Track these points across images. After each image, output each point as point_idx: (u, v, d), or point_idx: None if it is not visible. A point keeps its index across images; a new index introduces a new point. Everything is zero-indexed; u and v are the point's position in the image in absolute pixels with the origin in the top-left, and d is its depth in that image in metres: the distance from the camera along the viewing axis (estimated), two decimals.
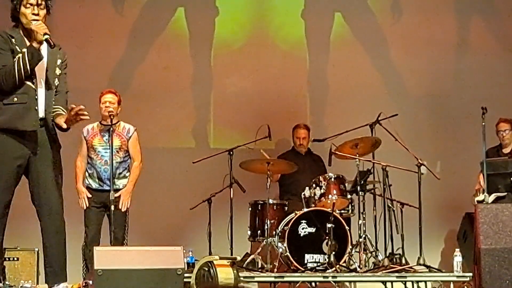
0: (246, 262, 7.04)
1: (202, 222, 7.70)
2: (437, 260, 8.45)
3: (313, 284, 6.83)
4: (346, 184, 7.33)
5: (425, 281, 6.83)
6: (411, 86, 9.08)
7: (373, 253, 7.23)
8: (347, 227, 6.95)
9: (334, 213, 6.87)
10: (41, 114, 4.97)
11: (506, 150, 7.79)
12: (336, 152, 7.38)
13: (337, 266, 6.63)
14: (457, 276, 6.58)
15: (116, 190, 6.53)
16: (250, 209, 7.46)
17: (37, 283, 6.99)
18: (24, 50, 4.86)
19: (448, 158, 8.86)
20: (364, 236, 7.17)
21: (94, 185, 6.64)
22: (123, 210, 6.57)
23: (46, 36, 4.83)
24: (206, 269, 5.72)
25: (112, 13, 8.79)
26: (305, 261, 6.84)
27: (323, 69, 9.02)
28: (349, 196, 7.31)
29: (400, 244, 7.28)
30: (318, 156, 8.13)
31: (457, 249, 6.80)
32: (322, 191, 7.18)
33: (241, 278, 6.00)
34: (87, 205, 6.57)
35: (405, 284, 6.91)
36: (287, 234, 6.87)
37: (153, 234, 8.00)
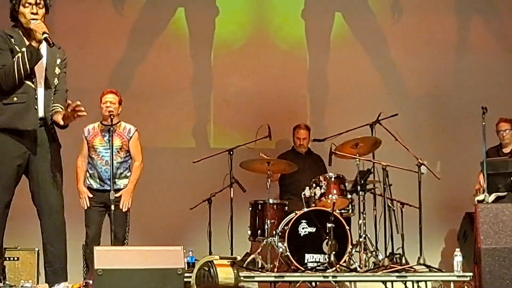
0: (246, 262, 7.03)
1: (202, 222, 7.70)
2: (437, 260, 8.44)
3: (313, 284, 6.83)
4: (346, 184, 7.33)
5: (425, 281, 6.83)
6: (411, 86, 9.08)
7: (373, 253, 7.23)
8: (347, 227, 6.95)
9: (334, 212, 6.87)
10: (41, 113, 4.96)
11: (506, 150, 7.79)
12: (336, 151, 7.38)
13: (337, 266, 6.63)
14: (458, 276, 6.58)
15: (117, 190, 6.54)
16: (250, 208, 7.46)
17: (37, 283, 6.99)
18: (24, 49, 4.86)
19: (448, 158, 8.85)
20: (364, 236, 7.17)
21: (95, 185, 6.65)
22: (124, 210, 6.57)
23: (45, 35, 4.83)
24: (206, 269, 5.71)
25: (112, 13, 8.79)
26: (305, 261, 6.84)
27: (323, 69, 9.02)
28: (349, 196, 7.31)
29: (400, 244, 7.29)
30: (318, 156, 8.13)
31: (457, 249, 6.79)
32: (322, 190, 7.18)
33: (241, 278, 6.00)
34: (88, 205, 6.57)
35: (405, 284, 6.91)
36: (287, 233, 6.87)
37: (153, 234, 8.00)
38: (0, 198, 4.90)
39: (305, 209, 7.04)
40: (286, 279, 6.58)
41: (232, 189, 7.50)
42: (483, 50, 9.09)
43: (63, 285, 5.04)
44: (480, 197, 7.23)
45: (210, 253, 7.36)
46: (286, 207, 7.38)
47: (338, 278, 6.59)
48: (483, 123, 6.68)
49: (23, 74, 4.85)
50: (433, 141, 8.91)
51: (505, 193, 7.16)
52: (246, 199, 7.53)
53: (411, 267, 6.95)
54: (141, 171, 6.73)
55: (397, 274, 6.66)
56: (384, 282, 7.02)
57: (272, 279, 6.62)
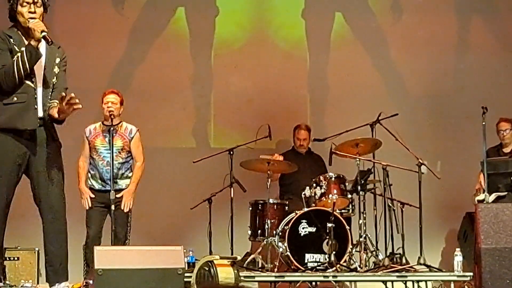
0: (246, 262, 7.03)
1: (203, 222, 7.70)
2: (437, 259, 8.45)
3: (314, 283, 6.83)
4: (347, 184, 7.33)
5: (426, 281, 6.82)
6: (411, 86, 9.08)
7: (374, 252, 7.23)
8: (347, 227, 6.95)
9: (334, 212, 6.87)
10: (40, 113, 4.96)
11: (506, 150, 7.79)
12: (337, 151, 7.38)
13: (338, 265, 6.63)
14: (458, 276, 6.57)
15: (119, 190, 6.55)
16: (250, 208, 7.46)
17: (38, 282, 6.99)
18: (23, 49, 4.86)
19: (448, 158, 8.85)
20: (364, 235, 7.16)
21: (97, 186, 6.65)
22: (125, 210, 6.57)
23: (44, 34, 4.82)
24: (207, 268, 5.71)
25: (112, 13, 8.79)
26: (306, 261, 6.84)
27: (323, 69, 9.03)
28: (349, 196, 7.31)
29: (400, 244, 7.29)
30: (319, 156, 8.13)
31: (458, 249, 6.79)
32: (323, 190, 7.18)
33: (242, 278, 6.00)
34: (90, 205, 6.58)
35: (405, 284, 6.90)
36: (288, 233, 6.86)
37: (154, 233, 8.00)
38: (0, 198, 4.89)
39: (305, 209, 7.04)
40: (286, 279, 6.57)
41: (232, 189, 7.51)
42: (483, 50, 9.10)
43: (63, 285, 5.04)
44: (480, 197, 7.24)
45: (210, 253, 7.36)
46: (286, 207, 7.38)
47: (338, 278, 6.59)
48: (483, 123, 6.68)
49: (23, 73, 4.85)
50: (433, 141, 8.91)
51: (505, 193, 7.17)
52: (246, 199, 7.53)
53: (411, 267, 6.95)
54: (143, 172, 6.73)
55: (397, 274, 6.66)
56: (385, 282, 7.02)
57: (272, 279, 6.62)
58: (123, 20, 8.80)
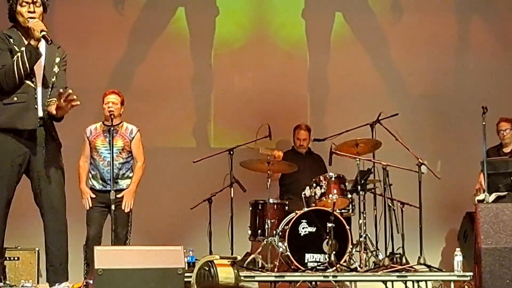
0: (246, 262, 7.03)
1: (203, 222, 7.71)
2: (437, 259, 8.45)
3: (314, 283, 6.83)
4: (347, 184, 7.33)
5: (426, 281, 6.82)
6: (411, 86, 9.09)
7: (374, 252, 7.23)
8: (347, 227, 6.95)
9: (334, 212, 6.87)
10: (40, 113, 4.95)
11: (506, 150, 7.79)
12: (337, 151, 7.38)
13: (338, 265, 6.63)
14: (458, 276, 6.57)
15: (120, 191, 6.56)
16: (250, 208, 7.46)
17: (38, 282, 7.00)
18: (23, 49, 4.86)
19: (449, 158, 8.86)
20: (364, 235, 7.17)
21: (98, 186, 6.65)
22: (126, 211, 6.58)
23: (43, 33, 4.82)
24: (207, 268, 5.71)
25: (112, 13, 8.79)
26: (306, 261, 6.84)
27: (323, 69, 9.03)
28: (349, 196, 7.31)
29: (400, 244, 7.29)
30: (319, 156, 8.13)
31: (458, 249, 6.79)
32: (323, 190, 7.19)
33: (242, 278, 6.00)
34: (91, 206, 6.58)
35: (405, 284, 6.90)
36: (288, 233, 6.87)
37: (154, 233, 7.99)
38: (0, 198, 4.89)
39: (306, 209, 7.04)
40: (286, 278, 6.57)
41: (232, 189, 7.51)
42: (483, 50, 9.10)
43: (63, 285, 5.04)
44: (481, 196, 7.24)
45: (211, 253, 7.36)
46: (287, 207, 7.38)
47: (339, 278, 6.59)
48: (483, 123, 6.68)
49: (23, 73, 4.85)
50: (433, 141, 8.91)
51: (506, 193, 7.16)
52: (246, 199, 7.53)
53: (411, 266, 6.95)
54: (143, 172, 6.74)
55: (397, 274, 6.66)
56: (385, 282, 7.02)
57: (273, 278, 6.61)
58: (123, 20, 8.80)
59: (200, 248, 7.37)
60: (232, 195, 7.49)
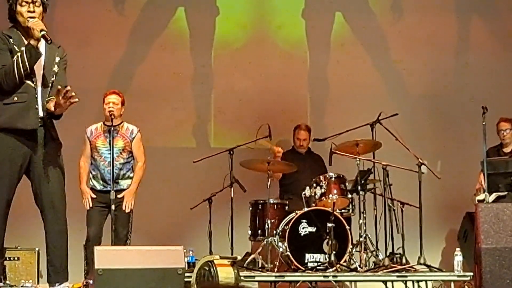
0: (246, 262, 7.03)
1: (203, 222, 7.70)
2: (437, 259, 8.45)
3: (314, 283, 6.83)
4: (347, 184, 7.33)
5: (426, 281, 6.83)
6: (411, 86, 9.09)
7: (374, 252, 7.23)
8: (347, 227, 6.95)
9: (334, 212, 6.87)
10: (41, 113, 4.95)
11: (506, 150, 7.80)
12: (337, 151, 7.37)
13: (338, 265, 6.63)
14: (458, 276, 6.58)
15: (120, 191, 6.57)
16: (250, 208, 7.46)
17: (38, 282, 6.99)
18: (23, 48, 4.86)
19: (449, 158, 8.86)
20: (364, 235, 7.16)
21: (98, 186, 6.66)
22: (127, 211, 6.58)
23: (43, 32, 4.81)
24: (207, 268, 5.72)
25: (112, 13, 8.79)
26: (306, 261, 6.84)
27: (323, 69, 9.03)
28: (349, 196, 7.31)
29: (400, 244, 7.29)
30: (318, 156, 8.13)
31: (458, 249, 6.79)
32: (323, 190, 7.18)
33: (242, 278, 6.00)
34: (91, 206, 6.58)
35: (405, 284, 6.90)
36: (288, 233, 6.86)
37: (154, 233, 7.99)
38: (1, 198, 4.89)
39: (306, 209, 7.04)
40: (286, 278, 6.58)
41: (232, 188, 7.50)
42: (483, 50, 9.10)
43: (64, 286, 5.04)
44: (481, 196, 7.24)
45: (211, 253, 7.36)
46: (287, 207, 7.38)
47: (339, 278, 6.59)
48: (483, 123, 6.68)
49: (23, 73, 4.84)
50: (433, 141, 8.91)
51: (506, 193, 7.17)
52: (247, 199, 7.53)
53: (411, 266, 6.95)
54: (144, 172, 6.74)
55: (397, 273, 6.66)
56: (385, 281, 7.02)
57: (273, 278, 6.62)
58: (123, 20, 8.80)
59: (200, 248, 7.37)
60: (232, 195, 7.49)
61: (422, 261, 7.04)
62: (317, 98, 9.04)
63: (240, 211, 7.51)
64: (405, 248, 7.24)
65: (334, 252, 6.74)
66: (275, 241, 7.07)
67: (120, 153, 6.63)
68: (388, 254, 7.31)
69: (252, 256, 7.14)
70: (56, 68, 5.03)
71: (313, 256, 6.86)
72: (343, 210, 7.25)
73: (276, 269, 6.83)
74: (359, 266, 6.88)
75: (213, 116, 8.90)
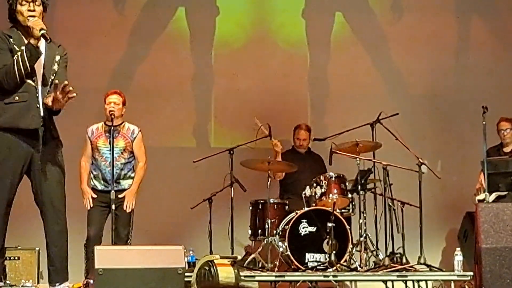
0: (246, 261, 7.03)
1: (203, 221, 7.71)
2: (437, 259, 8.44)
3: (314, 283, 6.83)
4: (347, 183, 7.33)
5: (426, 280, 6.83)
6: (411, 86, 9.09)
7: (374, 252, 7.23)
8: (347, 226, 6.94)
9: (334, 212, 6.87)
10: (42, 112, 4.95)
11: (507, 149, 7.79)
12: (337, 151, 7.37)
13: (338, 265, 6.63)
14: (458, 275, 6.57)
15: (122, 191, 6.57)
16: (250, 208, 7.46)
17: (38, 282, 7.00)
18: (23, 48, 4.86)
19: (449, 157, 8.86)
20: (364, 235, 7.16)
21: (100, 186, 6.66)
22: (128, 211, 6.58)
23: (42, 31, 4.82)
24: (207, 268, 5.72)
25: (112, 13, 8.80)
26: (306, 260, 6.83)
27: (323, 69, 9.03)
28: (349, 195, 7.31)
29: (400, 243, 7.29)
30: (319, 156, 8.12)
31: (458, 248, 6.78)
32: (323, 190, 7.18)
33: (242, 277, 6.00)
34: (92, 206, 6.58)
35: (405, 284, 6.91)
36: (288, 233, 6.86)
37: (154, 233, 8.00)
38: (2, 197, 4.89)
39: (306, 209, 7.04)
40: (286, 278, 6.57)
41: (232, 188, 7.50)
42: (483, 50, 9.10)
43: (64, 285, 5.04)
44: (481, 196, 7.23)
45: (211, 253, 7.36)
46: (287, 207, 7.38)
47: (339, 278, 6.59)
48: (484, 123, 6.68)
49: (24, 72, 4.84)
50: (433, 140, 8.91)
51: (506, 193, 7.16)
52: (247, 199, 7.53)
53: (411, 266, 6.95)
54: (145, 172, 6.74)
55: (397, 273, 6.66)
56: (385, 281, 7.03)
57: (273, 278, 6.61)
58: (123, 20, 8.80)
59: (200, 248, 7.37)
60: (232, 195, 7.49)
61: (422, 260, 7.03)
62: (317, 98, 9.04)
63: (240, 211, 7.51)
64: (405, 247, 7.23)
65: (334, 252, 6.74)
66: (275, 241, 7.07)
67: (121, 153, 6.63)
68: (388, 253, 7.31)
69: (252, 255, 7.12)
70: (56, 67, 5.03)
71: (313, 256, 6.86)
72: (343, 210, 7.24)
73: (276, 269, 6.82)
74: (359, 265, 6.87)
75: (213, 116, 8.90)
